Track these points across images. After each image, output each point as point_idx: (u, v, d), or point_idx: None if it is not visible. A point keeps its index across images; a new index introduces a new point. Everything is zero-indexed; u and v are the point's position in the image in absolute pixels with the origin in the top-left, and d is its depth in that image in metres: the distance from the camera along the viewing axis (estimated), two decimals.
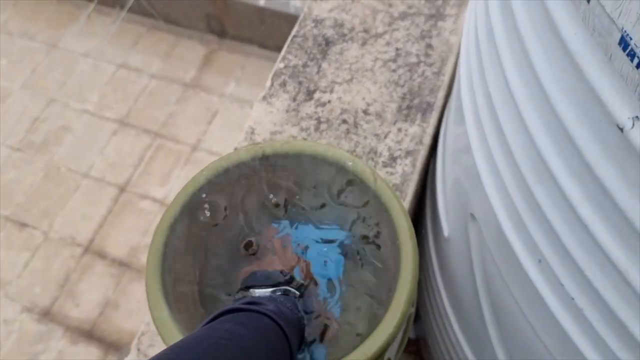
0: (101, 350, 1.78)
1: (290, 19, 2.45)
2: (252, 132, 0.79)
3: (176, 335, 0.56)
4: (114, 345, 1.80)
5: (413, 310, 0.62)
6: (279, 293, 0.55)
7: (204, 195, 0.62)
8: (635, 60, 0.30)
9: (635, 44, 0.29)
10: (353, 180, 0.59)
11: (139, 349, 0.72)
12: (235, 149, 0.69)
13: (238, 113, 2.22)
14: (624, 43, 0.30)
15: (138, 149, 2.15)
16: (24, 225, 2.02)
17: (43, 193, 2.08)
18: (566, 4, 0.34)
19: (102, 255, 1.94)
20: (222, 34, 2.40)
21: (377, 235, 0.58)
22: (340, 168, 0.59)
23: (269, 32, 2.31)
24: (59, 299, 1.88)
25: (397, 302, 0.52)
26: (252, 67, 2.35)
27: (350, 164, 0.58)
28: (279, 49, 2.46)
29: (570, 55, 0.34)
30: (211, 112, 2.23)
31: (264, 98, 0.80)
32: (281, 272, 0.57)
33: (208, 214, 0.62)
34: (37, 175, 2.12)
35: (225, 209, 0.62)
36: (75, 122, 2.24)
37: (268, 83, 0.81)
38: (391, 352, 0.58)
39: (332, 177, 0.59)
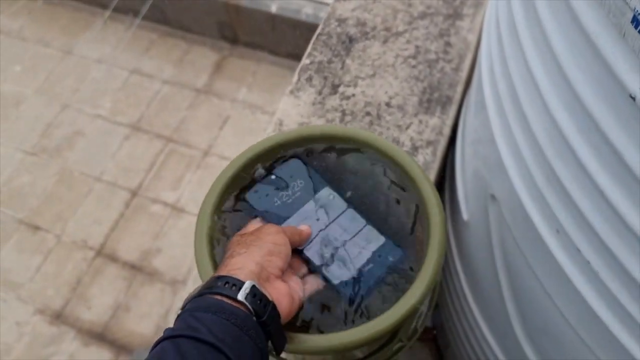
0: (112, 353, 1.79)
1: (301, 26, 2.48)
2: (280, 124, 0.81)
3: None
4: (125, 348, 1.80)
5: (439, 280, 0.64)
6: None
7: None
8: None
9: None
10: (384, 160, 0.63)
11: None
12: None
13: (249, 118, 2.24)
14: (635, 21, 0.33)
15: (150, 154, 2.17)
16: (36, 228, 2.03)
17: (56, 197, 2.10)
18: None
19: (113, 258, 1.95)
20: (233, 40, 2.43)
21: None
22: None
23: (280, 39, 2.34)
24: (71, 301, 1.89)
25: (426, 267, 0.54)
26: (263, 73, 2.37)
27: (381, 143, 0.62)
28: (289, 55, 2.49)
29: (587, 36, 0.38)
30: (223, 118, 2.25)
31: (291, 92, 0.83)
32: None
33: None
34: (50, 179, 2.14)
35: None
36: (88, 127, 2.26)
37: (295, 78, 0.85)
38: (420, 316, 0.60)
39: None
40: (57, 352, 1.80)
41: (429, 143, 0.82)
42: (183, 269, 1.91)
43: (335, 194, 0.64)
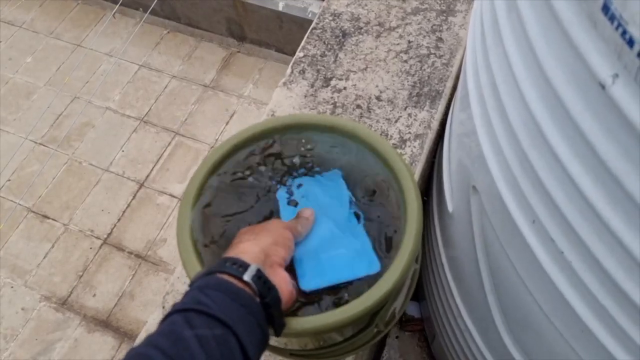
0: (116, 340, 1.83)
1: (306, 24, 2.50)
2: (273, 114, 0.84)
3: (195, 265, 0.61)
4: (128, 335, 1.84)
5: (417, 267, 0.66)
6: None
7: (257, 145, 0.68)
8: (615, 23, 0.34)
9: (615, 8, 0.33)
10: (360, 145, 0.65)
11: (163, 307, 0.77)
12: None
13: (255, 114, 2.28)
14: (605, 9, 0.34)
15: (157, 146, 2.21)
16: (45, 217, 2.08)
17: (64, 186, 2.15)
18: None
19: (119, 247, 2.00)
20: (241, 37, 2.46)
21: (376, 193, 0.63)
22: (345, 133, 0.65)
23: (287, 37, 2.36)
24: (76, 288, 1.93)
25: (403, 252, 0.56)
26: (269, 70, 2.40)
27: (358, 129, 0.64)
28: (295, 53, 2.52)
29: (561, 23, 0.39)
30: (229, 113, 2.29)
31: (284, 84, 0.86)
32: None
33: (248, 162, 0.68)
34: (59, 169, 2.19)
35: (258, 164, 0.67)
36: (98, 119, 2.31)
37: (288, 70, 0.87)
38: (397, 303, 0.62)
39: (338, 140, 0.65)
40: (62, 337, 1.84)
41: (417, 136, 0.84)
42: None
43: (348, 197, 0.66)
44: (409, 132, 0.85)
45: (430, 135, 0.84)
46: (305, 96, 0.86)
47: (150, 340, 0.47)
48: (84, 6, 2.68)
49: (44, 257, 1.99)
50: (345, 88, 0.87)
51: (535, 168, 0.46)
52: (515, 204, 0.52)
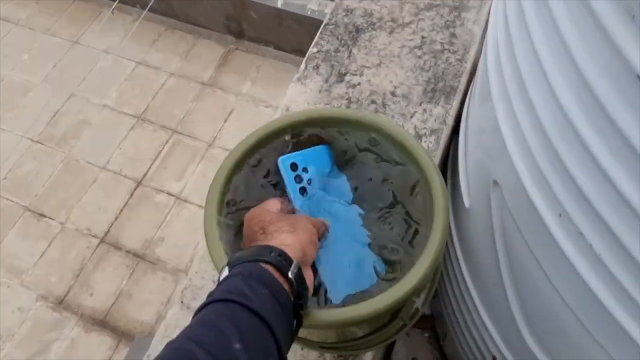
0: (113, 339, 1.81)
1: (306, 22, 2.50)
2: (287, 110, 0.84)
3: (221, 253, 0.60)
4: (126, 335, 1.82)
5: (441, 262, 0.66)
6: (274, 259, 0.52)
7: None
8: None
9: None
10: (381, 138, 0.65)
11: (182, 302, 0.76)
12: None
13: (253, 112, 2.26)
14: None
15: (155, 144, 2.19)
16: (41, 215, 2.05)
17: (61, 185, 2.12)
18: None
19: (117, 246, 1.97)
20: (239, 34, 2.44)
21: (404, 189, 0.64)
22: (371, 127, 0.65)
23: (286, 34, 2.35)
24: (73, 288, 1.91)
25: (429, 249, 0.56)
26: (268, 67, 2.39)
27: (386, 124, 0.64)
28: (294, 50, 2.51)
29: (596, 17, 0.39)
30: (227, 110, 2.27)
31: (298, 79, 0.85)
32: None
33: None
34: (56, 167, 2.16)
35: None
36: (95, 117, 2.29)
37: (302, 66, 0.88)
38: (422, 298, 0.63)
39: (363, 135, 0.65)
40: (58, 337, 1.82)
41: (433, 131, 0.85)
42: (185, 258, 1.93)
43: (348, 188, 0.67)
44: (425, 128, 0.85)
45: (446, 131, 0.85)
46: (320, 91, 0.86)
47: (191, 333, 0.44)
48: (80, 3, 2.65)
49: (41, 256, 1.97)
50: (359, 83, 0.87)
51: (564, 161, 0.46)
52: (541, 197, 0.52)
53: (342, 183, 0.68)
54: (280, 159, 0.66)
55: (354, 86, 0.88)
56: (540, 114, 0.50)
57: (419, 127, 0.85)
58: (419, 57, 0.90)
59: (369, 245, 0.65)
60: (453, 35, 0.91)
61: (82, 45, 2.50)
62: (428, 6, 0.93)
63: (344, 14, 0.92)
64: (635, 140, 0.38)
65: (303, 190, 0.66)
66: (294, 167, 0.66)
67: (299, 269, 0.52)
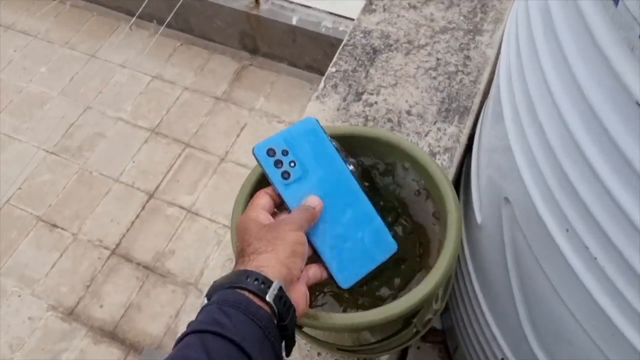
0: (122, 351, 1.81)
1: (320, 39, 2.53)
2: None
3: None
4: (135, 347, 1.83)
5: (452, 275, 0.67)
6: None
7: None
8: None
9: None
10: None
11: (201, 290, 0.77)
12: None
13: (266, 127, 2.28)
14: None
15: (168, 158, 2.21)
16: (54, 226, 2.08)
17: (75, 196, 2.14)
18: (598, 7, 0.43)
19: (128, 258, 1.99)
20: (254, 50, 2.48)
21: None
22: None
23: (300, 51, 2.38)
24: (84, 299, 1.92)
25: (443, 256, 0.57)
26: (281, 84, 2.42)
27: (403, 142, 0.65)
28: (308, 67, 2.54)
29: (599, 48, 0.43)
30: (240, 125, 2.29)
31: (317, 97, 0.88)
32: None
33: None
34: (70, 178, 2.19)
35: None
36: (110, 129, 2.32)
37: (321, 85, 0.91)
38: (435, 305, 0.64)
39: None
40: (67, 348, 1.83)
41: (446, 149, 0.88)
42: (195, 271, 1.94)
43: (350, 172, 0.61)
44: (439, 146, 0.88)
45: (459, 149, 0.87)
46: (338, 109, 0.89)
47: None
48: (99, 17, 2.70)
49: (52, 267, 1.99)
50: (376, 102, 0.90)
51: (570, 179, 0.49)
52: (550, 213, 0.56)
53: (334, 156, 0.62)
54: (255, 147, 0.61)
55: (370, 105, 0.90)
56: (548, 135, 0.53)
57: (433, 145, 0.87)
58: (434, 78, 0.92)
59: (377, 212, 0.61)
60: (467, 57, 0.93)
61: (99, 58, 2.55)
62: (443, 29, 0.96)
63: (361, 35, 0.96)
64: (635, 161, 0.41)
65: (287, 175, 0.61)
66: (271, 152, 0.61)
67: (280, 289, 0.51)
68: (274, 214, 0.61)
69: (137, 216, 2.08)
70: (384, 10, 0.99)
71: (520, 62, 0.59)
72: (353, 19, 2.36)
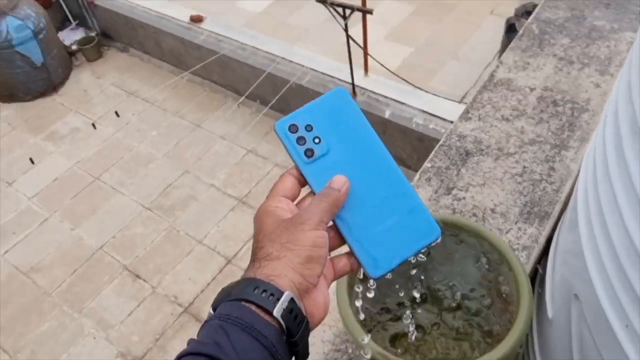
0: None
1: (409, 133, 2.62)
2: None
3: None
4: None
5: (521, 352, 0.70)
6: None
7: None
8: None
9: None
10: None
11: None
12: None
13: None
14: None
15: (250, 227, 2.31)
16: (137, 276, 2.21)
17: (160, 251, 2.29)
18: None
19: (198, 318, 2.06)
20: None
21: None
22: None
23: (388, 142, 2.45)
24: (151, 350, 2.00)
25: (514, 330, 0.65)
26: None
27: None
28: (395, 159, 2.62)
29: None
30: None
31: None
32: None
33: None
34: (160, 234, 2.35)
35: None
36: (202, 194, 2.49)
37: (416, 177, 0.99)
38: None
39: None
40: None
41: (525, 247, 0.91)
42: None
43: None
44: (518, 243, 0.92)
45: (537, 249, 0.91)
46: (429, 200, 0.95)
47: None
48: (209, 93, 2.99)
49: (129, 315, 2.10)
50: (464, 198, 0.97)
51: (631, 281, 0.55)
52: (613, 310, 0.60)
53: (367, 129, 0.54)
54: (276, 124, 0.53)
55: (459, 200, 0.97)
56: (614, 241, 0.59)
57: (512, 242, 0.92)
58: (519, 183, 0.97)
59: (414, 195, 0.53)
60: (552, 168, 0.99)
61: (204, 129, 2.79)
62: (532, 141, 1.02)
63: (457, 138, 1.05)
64: None
65: (310, 153, 0.54)
66: (293, 128, 0.55)
67: (291, 301, 0.47)
68: (298, 203, 0.54)
69: (214, 278, 2.18)
70: (479, 119, 1.09)
71: (595, 179, 0.66)
72: (444, 119, 2.45)
